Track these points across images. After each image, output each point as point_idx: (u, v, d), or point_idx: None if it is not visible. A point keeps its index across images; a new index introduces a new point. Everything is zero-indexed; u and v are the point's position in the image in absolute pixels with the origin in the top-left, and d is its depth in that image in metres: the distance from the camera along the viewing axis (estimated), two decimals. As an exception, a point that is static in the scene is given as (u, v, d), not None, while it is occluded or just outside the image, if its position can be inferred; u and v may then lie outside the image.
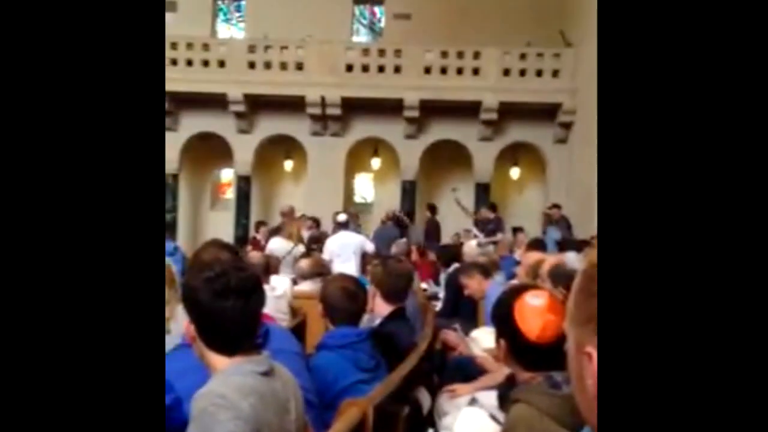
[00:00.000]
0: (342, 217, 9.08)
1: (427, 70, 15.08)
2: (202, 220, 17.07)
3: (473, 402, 3.25)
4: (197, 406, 1.68)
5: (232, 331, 1.83)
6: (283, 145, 16.28)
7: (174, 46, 15.37)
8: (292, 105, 15.17)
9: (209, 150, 16.31)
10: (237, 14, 18.38)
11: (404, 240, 8.08)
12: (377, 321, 3.61)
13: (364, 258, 8.10)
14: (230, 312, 1.81)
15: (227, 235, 13.76)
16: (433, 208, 13.88)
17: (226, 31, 18.34)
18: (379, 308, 3.60)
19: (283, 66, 15.34)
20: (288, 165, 16.95)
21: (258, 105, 15.52)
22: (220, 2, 18.38)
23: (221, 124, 15.69)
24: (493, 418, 2.70)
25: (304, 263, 6.25)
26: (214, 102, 15.16)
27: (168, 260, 3.69)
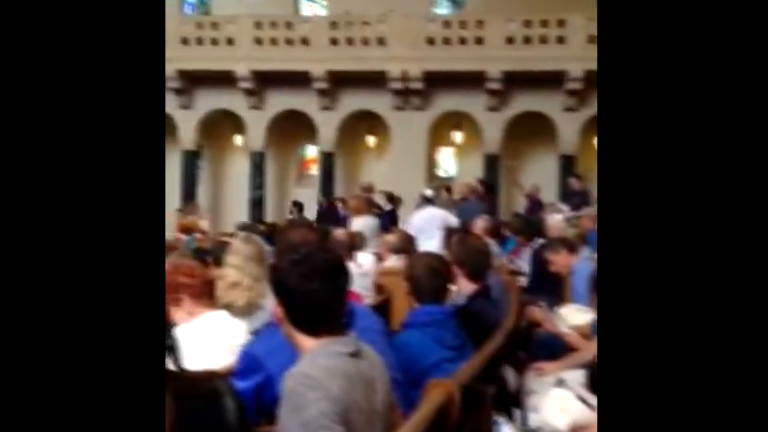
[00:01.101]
0: (429, 192, 9.01)
1: (510, 41, 14.78)
2: (288, 197, 17.39)
3: (560, 383, 3.20)
4: (287, 386, 1.72)
5: (319, 312, 1.86)
6: (366, 121, 16.36)
7: (258, 25, 15.63)
8: (374, 80, 15.19)
9: (294, 127, 16.57)
10: (318, -9, 18.49)
11: (487, 216, 7.97)
12: (461, 299, 3.60)
13: (450, 233, 8.05)
14: (317, 294, 1.84)
15: (312, 211, 13.98)
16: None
17: (308, 9, 18.48)
18: (463, 286, 3.59)
19: (365, 41, 15.36)
20: (371, 140, 17.03)
21: (340, 81, 15.62)
22: (301, -20, 18.52)
23: (305, 101, 15.89)
24: (581, 399, 2.65)
25: (391, 239, 6.29)
26: (298, 80, 15.35)
27: (259, 239, 3.78)
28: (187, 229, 11.71)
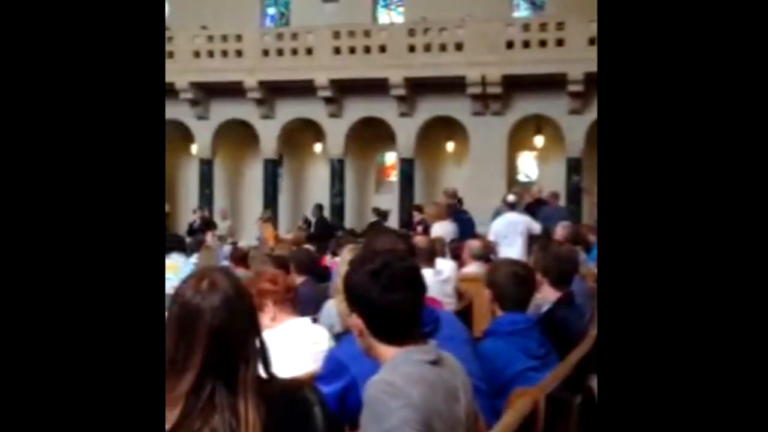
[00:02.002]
0: (511, 198, 8.88)
1: (592, 42, 14.45)
2: (368, 204, 17.51)
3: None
4: (368, 394, 1.70)
5: (401, 322, 1.84)
6: (445, 127, 16.31)
7: (336, 35, 15.84)
8: (453, 86, 15.13)
9: (373, 134, 16.69)
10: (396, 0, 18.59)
11: (568, 222, 7.78)
12: (545, 307, 3.53)
13: (531, 240, 7.92)
14: (399, 304, 1.82)
15: (392, 218, 14.02)
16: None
17: (386, 16, 18.61)
18: (547, 294, 3.51)
19: (443, 47, 15.33)
20: (450, 146, 16.96)
21: (419, 87, 15.63)
22: (379, -12, 18.67)
23: (383, 108, 15.98)
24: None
25: (473, 245, 6.23)
26: (376, 87, 15.46)
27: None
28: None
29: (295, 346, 2.75)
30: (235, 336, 1.50)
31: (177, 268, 3.60)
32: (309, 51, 16.07)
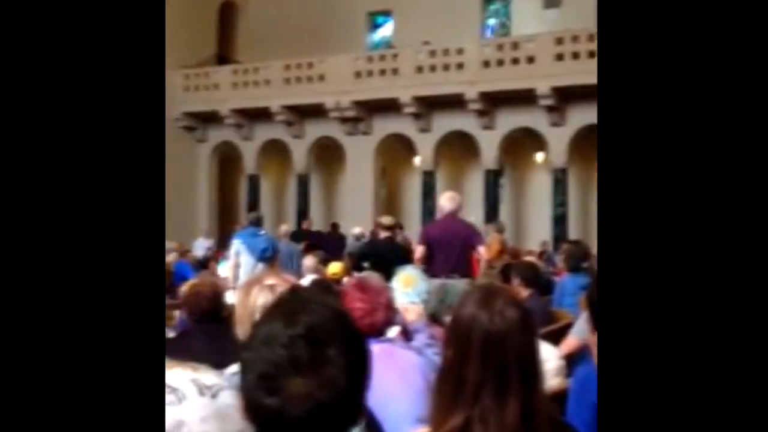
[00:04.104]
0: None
1: None
2: (592, 214, 16.82)
3: None
4: None
5: None
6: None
7: (559, 41, 15.45)
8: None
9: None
10: None
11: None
12: None
13: None
14: None
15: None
16: None
17: (611, 18, 17.80)
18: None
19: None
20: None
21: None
22: (603, -10, 17.91)
23: (609, 115, 15.27)
24: None
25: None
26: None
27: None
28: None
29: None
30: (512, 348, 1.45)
31: (414, 282, 3.59)
32: (530, 59, 15.83)
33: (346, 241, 14.13)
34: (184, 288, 3.50)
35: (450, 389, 1.40)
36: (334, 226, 15.99)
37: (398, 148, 18.35)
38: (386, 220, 7.56)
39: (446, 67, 16.76)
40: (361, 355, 1.10)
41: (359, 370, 1.08)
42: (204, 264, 9.45)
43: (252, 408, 1.07)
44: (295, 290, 1.25)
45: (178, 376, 1.62)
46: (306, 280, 5.97)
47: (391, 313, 2.60)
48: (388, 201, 18.96)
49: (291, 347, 1.03)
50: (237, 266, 7.44)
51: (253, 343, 1.08)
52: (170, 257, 10.29)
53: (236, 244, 7.55)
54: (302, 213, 18.67)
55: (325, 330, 1.06)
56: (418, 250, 5.95)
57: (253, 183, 19.77)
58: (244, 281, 2.36)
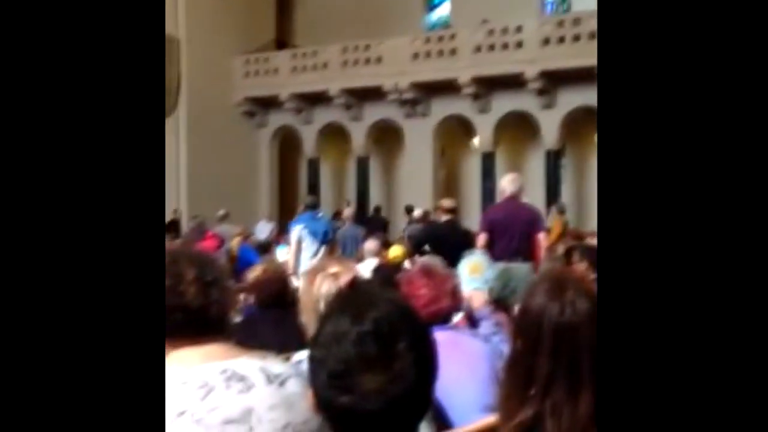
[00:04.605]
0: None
1: None
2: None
3: None
4: None
5: None
6: None
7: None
8: None
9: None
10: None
11: None
12: None
13: None
14: None
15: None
16: None
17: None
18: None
19: None
20: None
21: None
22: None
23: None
24: None
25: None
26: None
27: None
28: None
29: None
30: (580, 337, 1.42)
31: (480, 269, 3.54)
32: (592, 36, 15.43)
33: (388, 224, 14.14)
34: (251, 273, 3.55)
35: (519, 381, 1.38)
36: (377, 210, 16.06)
37: (457, 130, 18.21)
38: (447, 202, 7.50)
39: (505, 46, 16.51)
40: (427, 348, 1.12)
41: (427, 363, 1.10)
42: (266, 248, 9.58)
43: (325, 405, 1.09)
44: (356, 285, 1.24)
45: (246, 364, 1.64)
46: (367, 264, 5.99)
47: (456, 301, 2.58)
48: (447, 183, 18.87)
49: (360, 344, 1.05)
50: (298, 251, 7.50)
51: (321, 341, 1.10)
52: (234, 242, 10.47)
53: (297, 229, 7.61)
54: (362, 196, 18.75)
55: (392, 325, 1.08)
56: (481, 238, 5.89)
57: (313, 166, 19.94)
58: (307, 269, 2.37)
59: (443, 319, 2.50)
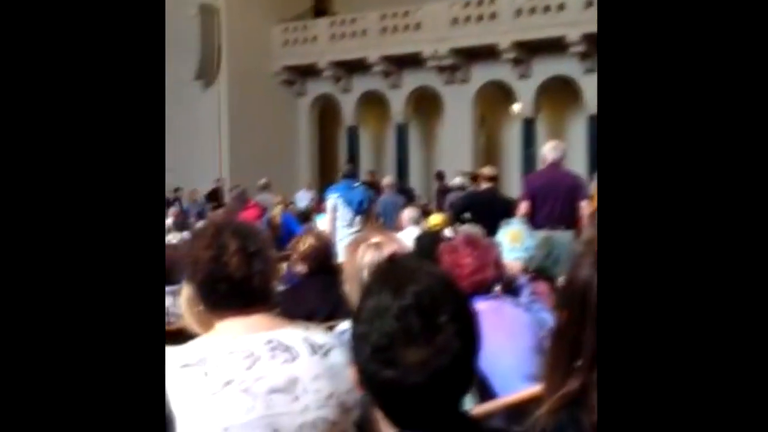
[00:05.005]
0: None
1: None
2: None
3: None
4: None
5: None
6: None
7: None
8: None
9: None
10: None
11: None
12: None
13: None
14: None
15: None
16: None
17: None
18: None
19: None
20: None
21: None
22: None
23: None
24: None
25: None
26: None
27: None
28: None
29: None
30: None
31: (521, 238, 3.51)
32: None
33: (415, 194, 14.09)
34: (296, 242, 3.59)
35: (565, 353, 1.37)
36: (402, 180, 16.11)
37: (497, 96, 17.98)
38: (488, 170, 7.44)
39: (546, 9, 16.17)
40: (470, 319, 1.12)
41: (470, 334, 1.11)
42: (307, 216, 9.65)
43: (369, 380, 1.10)
44: (396, 259, 1.24)
45: (290, 335, 1.66)
46: (407, 232, 5.99)
47: (499, 271, 2.57)
48: (487, 150, 18.71)
49: (402, 318, 1.06)
50: (334, 220, 7.53)
51: (363, 317, 1.10)
52: (276, 210, 10.56)
53: (332, 198, 7.63)
54: (401, 164, 18.71)
55: (433, 298, 1.08)
56: (523, 205, 5.84)
57: (352, 135, 19.93)
58: (350, 240, 2.39)
59: (487, 288, 2.50)
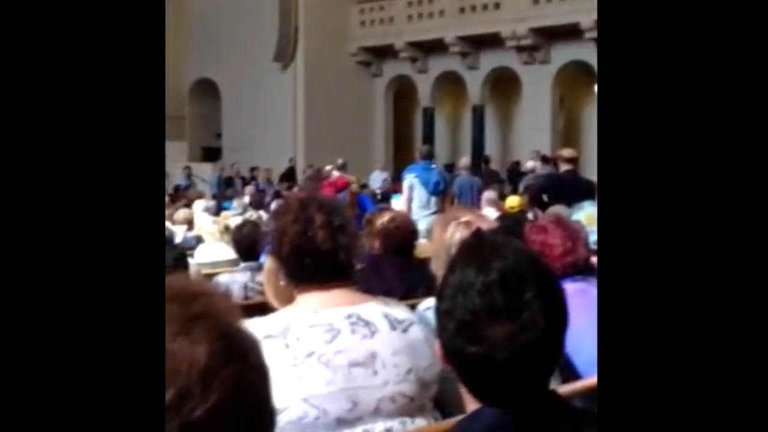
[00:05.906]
0: None
1: None
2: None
3: None
4: None
5: None
6: None
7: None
8: None
9: None
10: None
11: None
12: None
13: None
14: None
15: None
16: None
17: None
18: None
19: None
20: None
21: None
22: None
23: None
24: None
25: None
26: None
27: None
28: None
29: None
30: None
31: (594, 219, 3.44)
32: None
33: (501, 177, 13.94)
34: (371, 219, 3.60)
35: None
36: (486, 161, 16.05)
37: (578, 77, 17.53)
38: (567, 152, 7.28)
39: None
40: (556, 296, 1.11)
41: (557, 311, 1.10)
42: (384, 196, 9.70)
43: (454, 356, 1.10)
44: (480, 235, 1.22)
45: (371, 309, 1.65)
46: (486, 213, 5.93)
47: (590, 251, 2.52)
48: (567, 133, 18.30)
49: (486, 295, 1.06)
50: (410, 200, 7.52)
51: (447, 293, 1.10)
52: (353, 187, 10.69)
53: (409, 179, 7.61)
54: (477, 146, 18.53)
55: (519, 274, 1.08)
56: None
57: (428, 116, 19.84)
58: (439, 218, 2.39)
59: (579, 270, 2.44)
